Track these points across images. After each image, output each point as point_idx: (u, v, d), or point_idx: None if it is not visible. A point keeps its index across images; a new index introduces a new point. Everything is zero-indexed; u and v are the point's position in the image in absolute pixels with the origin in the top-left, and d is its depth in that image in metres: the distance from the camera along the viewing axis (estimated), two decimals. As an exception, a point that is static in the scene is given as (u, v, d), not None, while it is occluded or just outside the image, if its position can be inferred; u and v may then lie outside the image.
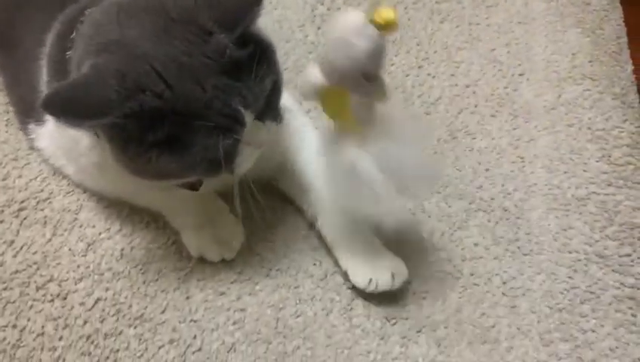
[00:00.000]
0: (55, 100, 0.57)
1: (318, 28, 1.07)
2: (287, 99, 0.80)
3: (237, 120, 0.60)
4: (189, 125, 0.58)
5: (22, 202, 0.81)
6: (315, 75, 0.62)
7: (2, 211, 0.80)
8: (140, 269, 0.77)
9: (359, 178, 0.64)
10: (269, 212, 0.81)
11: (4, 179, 0.83)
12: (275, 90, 0.64)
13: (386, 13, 0.55)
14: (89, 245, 0.79)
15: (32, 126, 0.79)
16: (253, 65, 0.60)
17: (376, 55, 0.58)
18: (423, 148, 0.71)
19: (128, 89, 0.56)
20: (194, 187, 0.69)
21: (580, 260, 0.81)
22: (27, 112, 0.80)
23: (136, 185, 0.72)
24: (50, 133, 0.77)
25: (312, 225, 0.80)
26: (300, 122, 0.82)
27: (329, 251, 0.78)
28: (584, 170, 0.91)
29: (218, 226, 0.78)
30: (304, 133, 0.81)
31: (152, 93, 0.57)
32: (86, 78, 0.58)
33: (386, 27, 0.56)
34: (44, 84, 0.72)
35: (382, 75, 0.61)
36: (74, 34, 0.66)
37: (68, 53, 0.65)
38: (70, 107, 0.56)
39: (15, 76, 0.83)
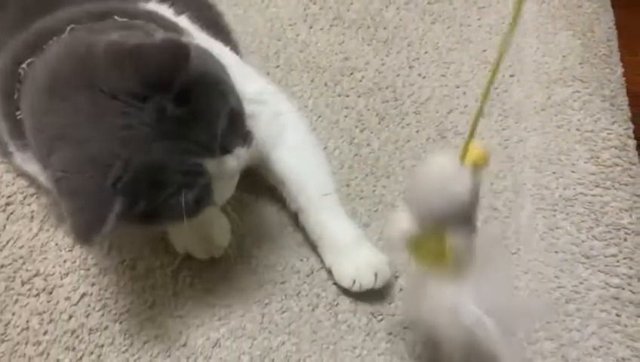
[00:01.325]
0: (82, 235, 0.57)
1: (310, 27, 1.07)
2: (260, 85, 0.80)
3: (197, 173, 0.59)
4: (156, 192, 0.58)
5: (9, 197, 0.81)
6: (405, 221, 0.59)
7: (-11, 205, 0.80)
8: (127, 265, 0.77)
9: (464, 322, 0.58)
10: (255, 208, 0.81)
11: (-9, 174, 0.83)
12: (235, 118, 0.62)
13: (476, 155, 0.55)
14: (76, 240, 0.79)
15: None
16: (200, 112, 0.58)
17: (476, 194, 0.57)
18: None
19: (103, 175, 0.56)
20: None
21: (566, 260, 0.82)
22: None
23: None
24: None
25: (297, 220, 0.80)
26: (275, 109, 0.80)
27: (315, 247, 0.78)
28: (572, 171, 0.91)
29: (205, 224, 0.78)
30: (281, 122, 0.80)
31: (117, 169, 0.56)
32: (70, 198, 0.58)
33: (478, 166, 0.55)
34: (8, 140, 0.70)
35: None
36: (16, 95, 0.64)
37: (18, 114, 0.64)
38: (90, 228, 0.56)
39: None
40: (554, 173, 0.91)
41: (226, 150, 0.62)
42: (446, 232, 0.57)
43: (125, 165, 0.56)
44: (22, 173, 0.81)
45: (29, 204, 0.81)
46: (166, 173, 0.57)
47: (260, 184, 0.83)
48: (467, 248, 0.58)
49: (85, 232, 0.57)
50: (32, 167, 0.70)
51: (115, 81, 0.56)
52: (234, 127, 0.62)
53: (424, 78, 1.02)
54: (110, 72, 0.56)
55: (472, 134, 0.55)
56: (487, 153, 0.55)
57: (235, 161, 0.63)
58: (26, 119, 0.63)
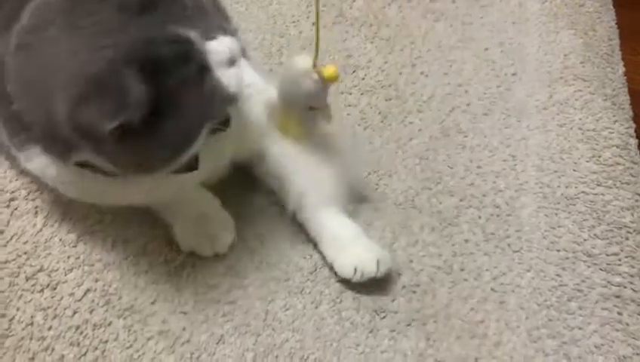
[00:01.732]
0: (111, 114, 0.55)
1: (313, 23, 1.07)
2: (258, 80, 0.80)
3: (186, 43, 0.59)
4: (156, 73, 0.57)
5: (13, 192, 0.81)
6: (272, 99, 0.78)
7: (-7, 201, 0.80)
8: (131, 261, 0.77)
9: None
10: (258, 205, 0.81)
11: (-5, 169, 0.83)
12: (202, 10, 0.63)
13: (327, 72, 0.72)
14: (80, 236, 0.79)
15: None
16: None
17: (318, 94, 0.74)
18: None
19: (101, 66, 0.55)
20: (192, 167, 0.67)
21: (568, 258, 0.82)
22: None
23: (133, 187, 0.70)
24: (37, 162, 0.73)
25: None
26: None
27: (316, 245, 0.79)
28: (574, 170, 0.91)
29: (210, 221, 0.78)
30: None
31: (109, 53, 0.56)
32: (85, 101, 0.56)
33: (327, 80, 0.73)
34: (9, 143, 0.70)
35: (327, 105, 0.76)
36: (7, 86, 0.64)
37: (13, 105, 0.63)
38: (118, 105, 0.55)
39: None
40: (556, 171, 0.91)
41: (209, 37, 0.62)
42: (294, 113, 0.76)
43: (115, 49, 0.55)
44: (26, 174, 0.81)
45: (32, 200, 0.81)
46: (154, 47, 0.57)
47: (261, 183, 0.83)
48: (312, 126, 0.77)
49: (113, 112, 0.54)
50: (35, 164, 0.70)
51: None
52: (207, 18, 0.63)
53: (427, 76, 1.02)
54: None
55: (317, 44, 0.71)
56: (336, 69, 0.73)
57: (226, 49, 0.62)
58: (17, 95, 0.62)
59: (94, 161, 0.63)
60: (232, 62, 0.64)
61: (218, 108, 0.64)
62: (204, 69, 0.61)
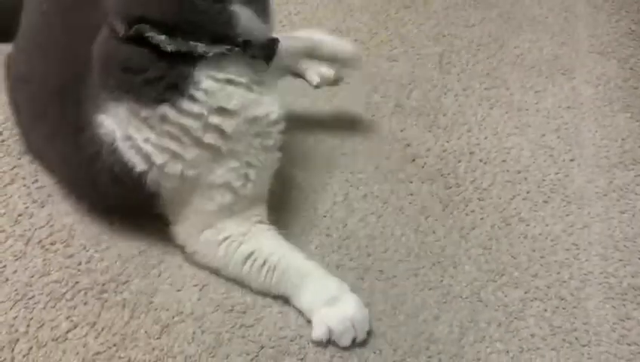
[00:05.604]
0: None
1: (372, 115, 1.13)
2: None
3: None
4: None
5: (103, 285, 0.88)
6: None
7: (86, 293, 0.87)
8: (210, 353, 0.82)
9: None
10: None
11: (87, 262, 0.90)
12: None
13: None
14: (163, 328, 0.84)
15: None
16: None
17: None
18: None
19: None
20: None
21: (639, 352, 0.82)
22: None
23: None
24: None
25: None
26: None
27: None
28: (639, 258, 0.92)
29: (341, 305, 0.79)
30: None
31: None
32: None
33: None
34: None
35: None
36: None
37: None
38: None
39: None
40: (621, 260, 0.92)
41: None
42: None
43: None
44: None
45: (121, 292, 0.87)
46: None
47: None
48: None
49: None
50: None
51: None
52: None
53: (485, 163, 1.06)
54: None
55: None
56: None
57: None
58: None
59: None
60: None
61: None
62: None
